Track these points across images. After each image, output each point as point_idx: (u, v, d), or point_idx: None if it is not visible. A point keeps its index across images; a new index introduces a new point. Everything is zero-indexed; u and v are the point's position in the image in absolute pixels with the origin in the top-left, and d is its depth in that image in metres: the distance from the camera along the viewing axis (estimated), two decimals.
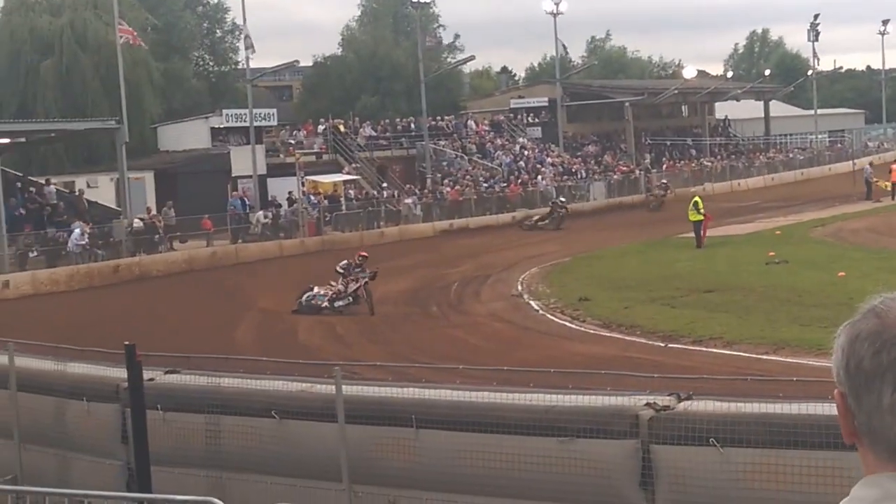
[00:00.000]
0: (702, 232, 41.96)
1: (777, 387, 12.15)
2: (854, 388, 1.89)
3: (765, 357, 21.80)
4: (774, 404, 9.92)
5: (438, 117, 68.80)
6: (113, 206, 48.86)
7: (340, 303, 30.20)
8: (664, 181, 64.82)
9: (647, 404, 10.24)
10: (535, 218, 54.09)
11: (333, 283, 30.69)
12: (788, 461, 9.20)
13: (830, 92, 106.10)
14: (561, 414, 10.51)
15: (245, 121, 55.92)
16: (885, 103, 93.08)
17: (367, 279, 30.39)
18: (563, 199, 56.51)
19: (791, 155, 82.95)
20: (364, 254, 31.61)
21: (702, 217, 42.11)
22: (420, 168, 63.42)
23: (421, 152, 63.87)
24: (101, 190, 51.53)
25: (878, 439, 1.87)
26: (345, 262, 31.06)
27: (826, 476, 8.94)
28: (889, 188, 58.30)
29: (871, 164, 65.54)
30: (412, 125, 66.86)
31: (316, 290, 30.59)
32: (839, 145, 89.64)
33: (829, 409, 9.49)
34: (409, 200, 54.97)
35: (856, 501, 1.87)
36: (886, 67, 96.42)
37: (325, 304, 30.10)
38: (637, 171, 69.28)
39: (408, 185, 59.28)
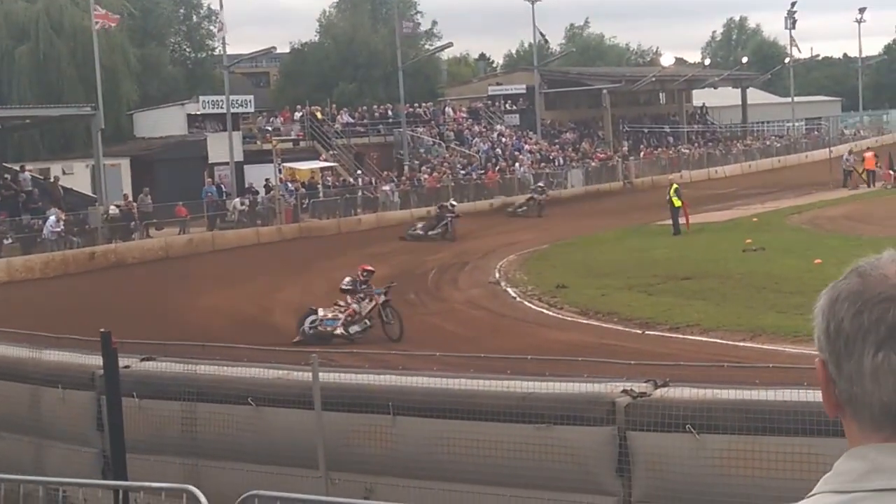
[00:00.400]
0: (682, 219, 42.11)
1: (753, 373, 12.18)
2: (834, 353, 1.77)
3: (741, 344, 21.85)
4: (751, 391, 9.95)
5: (416, 104, 68.72)
6: (88, 192, 48.63)
7: (356, 328, 24.50)
8: (540, 184, 56.38)
9: (624, 391, 10.25)
10: (420, 225, 46.07)
11: (341, 304, 24.92)
12: (764, 447, 9.23)
13: (807, 79, 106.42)
14: (538, 401, 10.51)
15: (222, 107, 55.71)
16: (862, 91, 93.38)
17: (382, 294, 24.90)
18: (453, 203, 48.27)
19: (768, 142, 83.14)
20: (368, 268, 25.93)
21: (681, 203, 42.30)
22: (397, 155, 63.33)
23: (398, 139, 63.76)
24: (76, 177, 51.28)
25: (861, 407, 1.75)
26: (348, 278, 25.43)
27: (802, 462, 8.96)
28: (864, 176, 58.57)
29: (850, 151, 65.67)
30: (390, 112, 66.73)
31: (321, 312, 24.70)
32: (816, 133, 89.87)
33: (805, 395, 9.52)
34: (386, 187, 54.88)
35: (840, 476, 1.74)
36: (863, 55, 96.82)
37: (339, 329, 24.35)
38: (615, 159, 69.37)
39: (385, 172, 59.20)
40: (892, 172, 58.23)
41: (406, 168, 60.46)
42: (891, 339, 1.71)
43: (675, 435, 9.65)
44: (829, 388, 1.80)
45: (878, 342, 1.72)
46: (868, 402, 1.74)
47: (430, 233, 44.68)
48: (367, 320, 24.60)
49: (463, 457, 10.62)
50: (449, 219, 45.37)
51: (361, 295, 24.80)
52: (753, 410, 9.49)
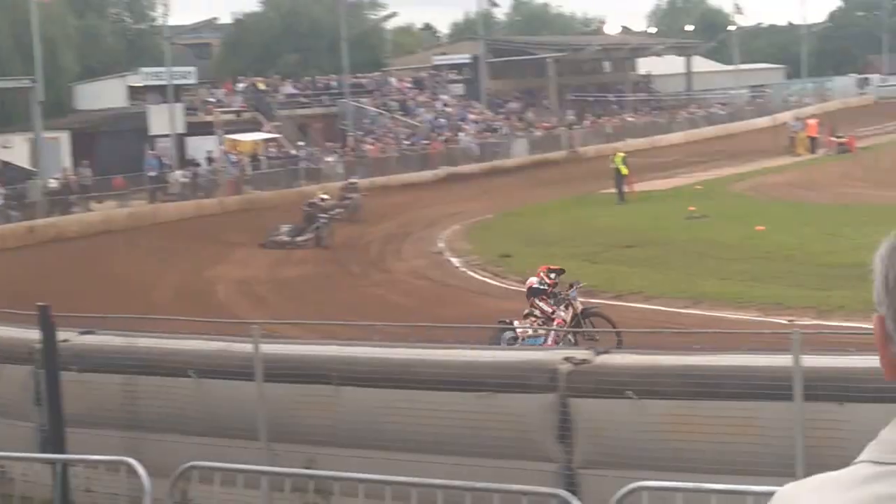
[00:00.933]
0: (626, 187, 42.37)
1: (694, 339, 12.28)
2: (893, 306, 1.61)
3: (684, 311, 22.01)
4: (691, 356, 9.98)
5: (360, 75, 68.44)
6: (28, 166, 48.06)
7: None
8: (353, 180, 46.27)
9: (566, 358, 10.24)
10: (285, 229, 37.25)
11: (536, 313, 19.68)
12: (704, 412, 9.26)
13: (752, 47, 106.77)
14: (480, 369, 10.49)
15: (163, 79, 55.20)
16: (806, 58, 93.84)
17: (574, 300, 19.86)
18: (324, 197, 38.94)
19: (712, 110, 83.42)
20: (553, 267, 20.40)
21: (627, 171, 42.60)
22: (341, 126, 63.08)
23: (342, 110, 63.51)
24: (15, 150, 50.63)
25: None
26: (535, 278, 20.03)
27: (741, 426, 9.01)
28: (807, 143, 58.98)
29: (796, 118, 66.04)
30: (333, 83, 66.41)
31: (519, 329, 19.33)
32: (760, 100, 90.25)
33: (745, 360, 9.58)
34: (330, 158, 54.66)
35: (881, 445, 1.64)
36: (807, 22, 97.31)
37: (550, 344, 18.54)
38: (560, 128, 69.47)
39: (329, 143, 58.95)
40: (834, 139, 58.69)
41: (350, 139, 60.23)
42: None
43: (616, 401, 9.66)
44: (887, 347, 1.66)
45: None
46: None
47: (297, 239, 36.42)
48: (570, 335, 18.90)
49: (405, 426, 10.58)
50: (322, 221, 36.86)
51: (553, 300, 19.77)
52: (694, 375, 9.50)
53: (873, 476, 1.61)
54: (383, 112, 65.34)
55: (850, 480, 1.62)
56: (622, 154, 44.42)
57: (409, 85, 72.08)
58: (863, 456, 1.65)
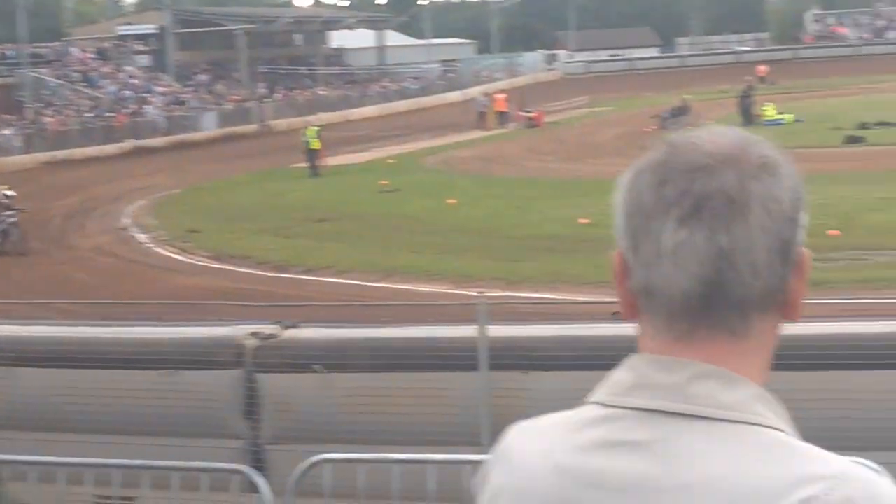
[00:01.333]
0: (319, 161, 42.36)
1: (383, 311, 12.30)
2: (633, 235, 1.51)
3: (376, 284, 22.10)
4: (379, 329, 9.97)
5: (39, 44, 65.95)
6: None
7: None
8: (6, 190, 30.39)
9: (252, 333, 10.04)
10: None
11: None
12: (393, 384, 9.26)
13: (444, 22, 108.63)
14: (163, 346, 10.17)
15: None
16: (497, 34, 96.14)
17: None
18: (8, 194, 30.02)
19: (404, 84, 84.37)
20: None
21: (319, 145, 42.64)
22: (19, 97, 60.65)
23: (20, 81, 61.13)
24: None
25: (657, 300, 1.51)
26: None
27: (429, 397, 9.05)
28: (496, 117, 60.34)
29: (484, 94, 67.47)
30: (10, 52, 63.80)
31: None
32: (451, 75, 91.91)
33: (433, 332, 9.63)
34: (6, 131, 52.42)
35: (609, 387, 1.55)
36: None
37: None
38: (251, 101, 68.90)
39: (6, 116, 56.54)
40: (522, 114, 60.26)
41: (29, 111, 58.00)
42: (696, 213, 1.46)
43: (303, 375, 9.55)
44: (624, 284, 1.55)
45: (681, 217, 1.47)
46: (667, 292, 1.50)
47: None
48: None
49: (85, 406, 10.15)
50: (9, 221, 28.99)
51: None
52: (382, 348, 9.50)
53: (600, 418, 1.53)
54: (64, 83, 63.16)
55: (577, 422, 1.55)
56: (314, 127, 44.37)
57: (91, 56, 69.99)
58: (592, 396, 1.55)
